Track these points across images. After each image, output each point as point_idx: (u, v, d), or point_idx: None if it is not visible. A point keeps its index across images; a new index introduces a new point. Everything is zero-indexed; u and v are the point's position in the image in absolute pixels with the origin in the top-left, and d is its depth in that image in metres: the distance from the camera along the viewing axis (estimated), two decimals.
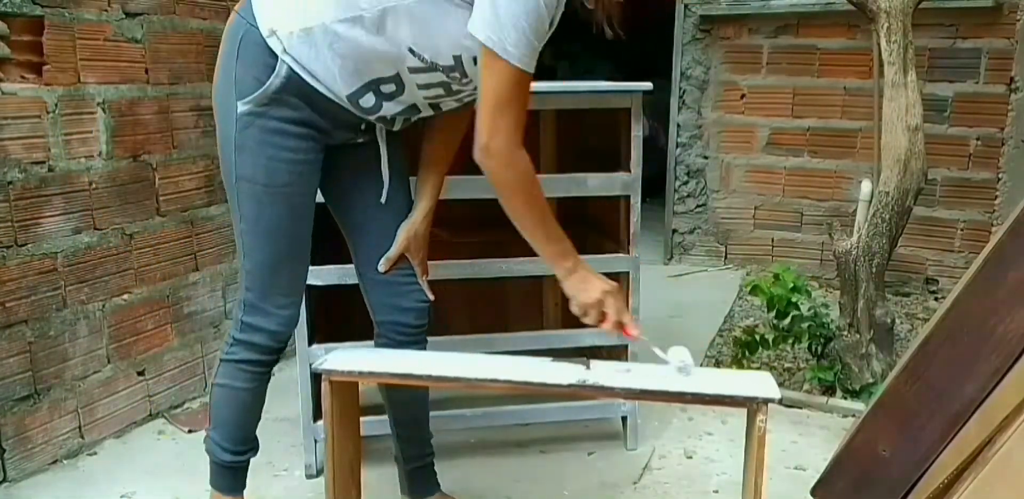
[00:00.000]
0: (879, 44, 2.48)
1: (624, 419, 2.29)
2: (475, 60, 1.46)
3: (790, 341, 2.73)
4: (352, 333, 1.91)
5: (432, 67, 1.51)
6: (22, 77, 2.05)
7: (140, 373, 2.45)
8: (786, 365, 2.85)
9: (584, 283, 1.56)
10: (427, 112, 1.63)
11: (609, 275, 2.29)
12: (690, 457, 2.27)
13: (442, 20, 1.45)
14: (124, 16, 2.31)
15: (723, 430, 2.41)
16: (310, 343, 2.06)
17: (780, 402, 1.38)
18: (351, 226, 1.75)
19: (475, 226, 2.59)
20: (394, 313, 1.75)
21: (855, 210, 3.31)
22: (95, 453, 2.28)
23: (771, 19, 3.89)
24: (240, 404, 1.69)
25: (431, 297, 1.77)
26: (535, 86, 2.17)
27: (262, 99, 1.50)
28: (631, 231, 2.14)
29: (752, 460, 1.38)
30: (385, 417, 2.03)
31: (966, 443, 1.26)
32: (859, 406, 2.45)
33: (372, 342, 1.80)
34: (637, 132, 2.10)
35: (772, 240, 4.09)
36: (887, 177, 2.46)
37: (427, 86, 1.55)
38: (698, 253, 4.28)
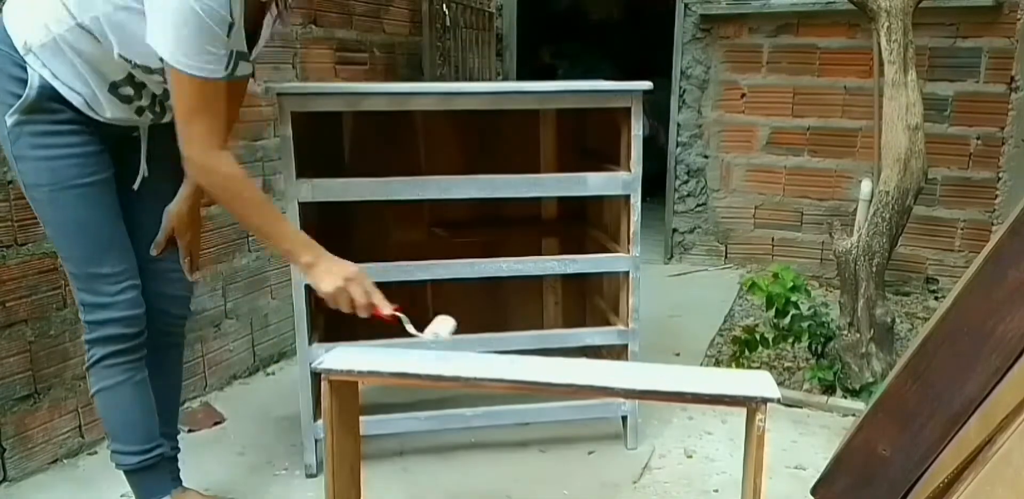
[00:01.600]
0: (879, 43, 2.48)
1: (624, 419, 2.29)
2: None
3: (790, 340, 2.73)
4: (352, 333, 1.91)
5: (148, 70, 1.55)
6: None
7: None
8: (786, 364, 2.85)
9: (327, 274, 1.55)
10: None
11: (609, 275, 2.32)
12: (690, 456, 2.27)
13: (138, 28, 1.47)
14: None
15: (723, 429, 2.42)
16: (310, 343, 2.06)
17: (780, 401, 1.38)
18: (125, 214, 1.74)
19: (475, 226, 2.60)
20: (159, 301, 1.75)
21: (855, 209, 3.32)
22: (95, 453, 2.28)
23: (771, 18, 3.89)
24: (125, 400, 1.68)
25: (191, 278, 1.80)
26: (535, 86, 2.19)
27: (24, 109, 1.54)
28: (631, 230, 2.14)
29: (752, 460, 1.38)
30: (385, 416, 2.03)
31: (966, 443, 1.26)
32: (859, 406, 2.45)
33: (372, 342, 1.80)
34: (637, 131, 2.10)
35: (772, 239, 4.09)
36: (887, 176, 2.46)
37: (162, 83, 1.57)
38: (698, 252, 4.29)
